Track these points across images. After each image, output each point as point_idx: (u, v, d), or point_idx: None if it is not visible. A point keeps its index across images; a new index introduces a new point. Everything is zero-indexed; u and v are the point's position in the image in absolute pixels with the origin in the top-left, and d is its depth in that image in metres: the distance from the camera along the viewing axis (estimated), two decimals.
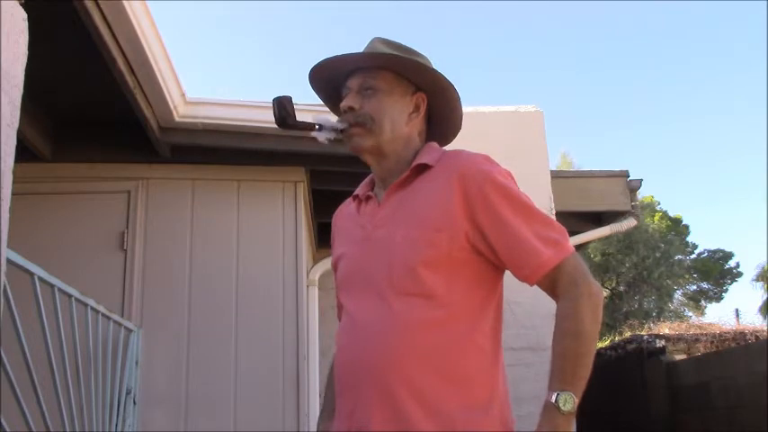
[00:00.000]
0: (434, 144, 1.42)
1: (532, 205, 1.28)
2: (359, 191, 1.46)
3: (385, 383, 1.21)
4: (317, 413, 1.59)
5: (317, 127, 1.38)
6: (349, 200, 1.51)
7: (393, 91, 1.37)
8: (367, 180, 1.48)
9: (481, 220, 1.24)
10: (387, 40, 1.42)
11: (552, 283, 1.23)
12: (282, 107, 1.36)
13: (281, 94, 1.37)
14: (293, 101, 1.38)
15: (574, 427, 1.16)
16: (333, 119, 1.41)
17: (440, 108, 1.44)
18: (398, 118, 1.37)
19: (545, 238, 1.23)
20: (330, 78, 1.43)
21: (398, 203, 1.33)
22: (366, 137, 1.35)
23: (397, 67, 1.38)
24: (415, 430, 1.17)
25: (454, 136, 1.50)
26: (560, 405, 1.14)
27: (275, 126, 1.42)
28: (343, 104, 1.37)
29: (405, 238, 1.27)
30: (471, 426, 1.19)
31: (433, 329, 1.22)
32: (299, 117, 1.39)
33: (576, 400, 1.15)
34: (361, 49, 1.40)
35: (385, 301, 1.25)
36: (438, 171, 1.32)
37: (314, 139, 1.41)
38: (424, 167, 1.34)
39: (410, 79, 1.39)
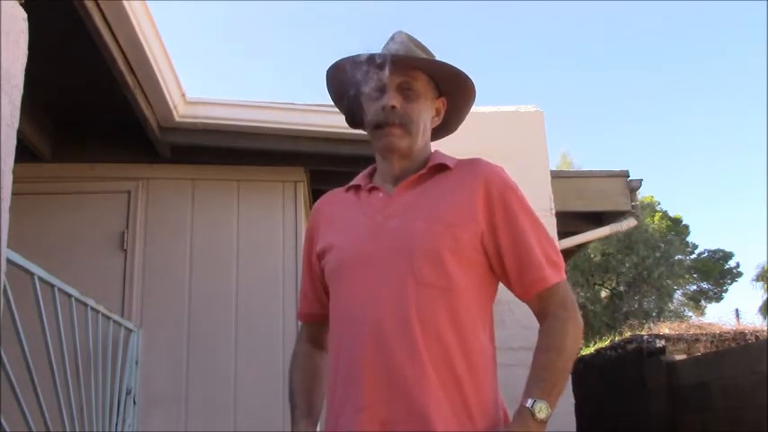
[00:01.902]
0: (440, 150, 1.44)
1: (543, 226, 1.33)
2: (360, 181, 1.44)
3: (403, 378, 1.20)
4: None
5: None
6: (338, 190, 1.48)
7: (427, 95, 1.39)
8: (366, 172, 1.47)
9: (498, 223, 1.28)
10: (411, 36, 1.42)
11: (542, 302, 1.28)
12: (352, 109, 1.38)
13: (348, 95, 1.38)
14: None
15: None
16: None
17: (451, 111, 1.46)
18: (428, 122, 1.40)
19: (549, 258, 1.29)
20: (344, 76, 1.41)
21: (415, 198, 1.33)
22: (404, 138, 1.35)
23: (431, 71, 1.39)
24: (434, 430, 1.16)
25: (445, 135, 1.51)
26: (535, 411, 1.16)
27: (276, 126, 1.42)
28: (387, 104, 1.34)
29: (425, 229, 1.27)
30: (489, 425, 1.20)
31: (450, 323, 1.23)
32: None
33: (551, 411, 1.17)
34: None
35: (403, 291, 1.24)
36: (457, 173, 1.34)
37: (314, 138, 1.41)
38: (441, 168, 1.36)
39: (439, 84, 1.41)
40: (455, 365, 1.21)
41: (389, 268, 1.26)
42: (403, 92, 1.35)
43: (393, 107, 1.33)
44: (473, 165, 1.36)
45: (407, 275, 1.24)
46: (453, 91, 1.43)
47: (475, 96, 1.44)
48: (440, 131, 1.49)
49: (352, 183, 1.46)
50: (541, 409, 1.16)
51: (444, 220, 1.27)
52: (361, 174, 1.47)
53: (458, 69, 1.39)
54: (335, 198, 1.48)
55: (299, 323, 1.56)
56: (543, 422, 1.16)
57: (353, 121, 1.40)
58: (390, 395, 1.20)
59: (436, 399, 1.18)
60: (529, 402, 1.16)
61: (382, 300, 1.25)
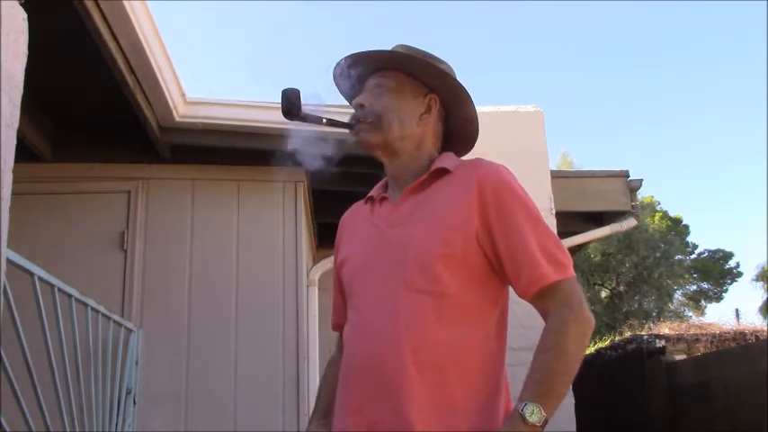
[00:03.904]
0: (451, 153, 1.44)
1: (546, 224, 1.29)
2: (373, 192, 1.47)
3: (388, 380, 1.21)
4: None
5: (323, 121, 1.39)
6: (360, 202, 1.51)
7: (404, 90, 1.39)
8: (381, 182, 1.49)
9: (493, 222, 1.26)
10: (409, 46, 1.43)
11: (544, 301, 1.23)
12: (288, 100, 1.37)
13: (290, 87, 1.38)
14: (300, 95, 1.38)
15: None
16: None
17: (456, 113, 1.45)
18: (409, 117, 1.39)
19: (550, 255, 1.24)
20: (353, 82, 1.45)
21: (415, 204, 1.34)
22: (373, 133, 1.37)
23: (407, 68, 1.40)
24: (414, 431, 1.16)
25: (469, 147, 1.50)
26: (526, 415, 1.11)
27: (275, 126, 1.42)
28: (354, 101, 1.39)
29: (420, 236, 1.28)
30: (477, 427, 1.19)
31: (442, 326, 1.22)
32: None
33: (545, 415, 1.12)
34: (367, 45, 1.41)
35: (394, 298, 1.25)
36: (457, 176, 1.33)
37: (314, 138, 1.42)
38: (442, 172, 1.36)
39: (424, 81, 1.41)
40: (444, 369, 1.21)
41: (387, 276, 1.28)
42: (374, 90, 1.39)
43: (360, 105, 1.38)
44: (471, 165, 1.35)
45: (400, 282, 1.26)
46: (441, 87, 1.41)
47: (464, 88, 1.41)
48: (459, 143, 1.48)
49: (368, 194, 1.48)
50: (533, 412, 1.11)
51: (440, 224, 1.27)
52: (377, 184, 1.50)
53: (427, 60, 1.38)
54: (355, 210, 1.52)
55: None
56: (536, 426, 1.11)
57: (290, 110, 1.38)
58: (376, 398, 1.22)
59: (420, 401, 1.18)
60: (520, 406, 1.13)
61: (377, 307, 1.28)
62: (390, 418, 1.19)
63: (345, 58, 1.41)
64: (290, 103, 1.37)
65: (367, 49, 1.39)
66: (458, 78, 1.42)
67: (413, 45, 1.44)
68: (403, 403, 1.18)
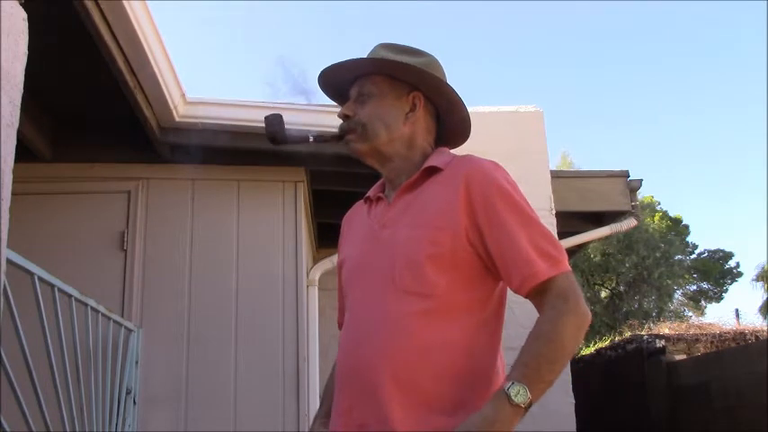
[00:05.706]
0: (445, 149, 1.44)
1: (536, 218, 1.27)
2: (370, 192, 1.48)
3: (373, 381, 1.21)
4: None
5: (310, 139, 1.44)
6: (360, 202, 1.52)
7: (386, 94, 1.40)
8: (379, 182, 1.50)
9: (481, 220, 1.25)
10: (389, 44, 1.43)
11: (541, 297, 1.21)
12: (271, 125, 1.42)
13: (271, 113, 1.43)
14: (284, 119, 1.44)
15: (516, 424, 1.10)
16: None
17: (443, 107, 1.45)
18: (394, 120, 1.39)
19: (542, 250, 1.22)
20: (340, 86, 1.47)
21: (407, 204, 1.34)
22: (360, 142, 1.40)
23: (386, 71, 1.40)
24: (393, 430, 1.17)
25: (465, 136, 1.50)
26: (511, 395, 1.09)
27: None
28: (339, 113, 1.42)
29: (408, 236, 1.28)
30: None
31: (427, 326, 1.22)
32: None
33: (530, 397, 1.09)
34: (364, 54, 1.43)
35: (383, 299, 1.26)
36: (447, 174, 1.33)
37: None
38: (433, 170, 1.35)
39: (405, 80, 1.41)
40: (432, 369, 1.20)
41: (377, 278, 1.29)
42: (359, 99, 1.41)
43: (345, 116, 1.41)
44: (461, 163, 1.34)
45: (389, 284, 1.26)
46: (422, 83, 1.41)
47: (446, 83, 1.41)
48: (452, 137, 1.48)
49: (367, 194, 1.49)
50: (519, 393, 1.09)
51: (427, 225, 1.28)
52: (376, 184, 1.50)
53: (400, 62, 1.38)
54: (355, 210, 1.53)
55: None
56: (521, 407, 1.09)
57: (274, 137, 1.43)
58: (364, 400, 1.23)
59: (407, 403, 1.18)
60: (506, 385, 1.10)
61: (366, 309, 1.29)
62: (377, 419, 1.20)
63: (320, 74, 1.44)
64: (274, 130, 1.43)
65: (350, 56, 1.40)
66: (437, 70, 1.42)
67: (400, 43, 1.44)
68: (388, 405, 1.19)
